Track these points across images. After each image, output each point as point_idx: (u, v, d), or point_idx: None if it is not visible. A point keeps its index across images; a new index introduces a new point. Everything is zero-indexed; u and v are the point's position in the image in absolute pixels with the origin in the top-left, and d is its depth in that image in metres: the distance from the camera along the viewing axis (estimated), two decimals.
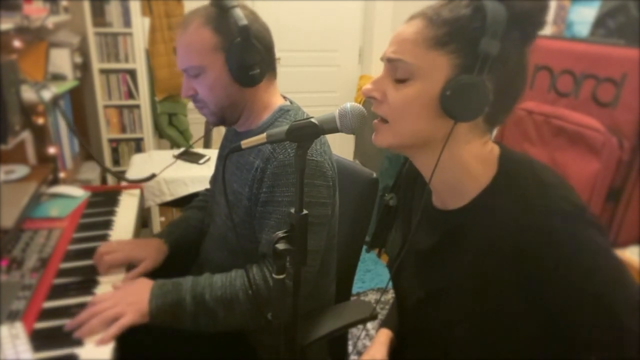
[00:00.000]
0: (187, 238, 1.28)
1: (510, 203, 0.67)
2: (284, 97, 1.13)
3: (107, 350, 0.83)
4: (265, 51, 1.01)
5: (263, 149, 0.98)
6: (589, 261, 0.62)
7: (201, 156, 2.08)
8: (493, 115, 0.69)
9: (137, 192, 1.56)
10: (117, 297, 0.93)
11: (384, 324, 0.99)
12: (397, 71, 0.69)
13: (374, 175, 1.18)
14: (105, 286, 1.01)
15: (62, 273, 1.05)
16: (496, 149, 0.73)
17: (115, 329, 0.87)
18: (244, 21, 0.96)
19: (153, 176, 1.76)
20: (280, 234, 0.69)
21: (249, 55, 0.97)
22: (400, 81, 0.69)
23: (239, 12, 0.97)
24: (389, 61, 0.70)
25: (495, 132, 0.76)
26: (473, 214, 0.72)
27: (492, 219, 0.69)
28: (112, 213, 1.38)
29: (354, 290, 2.39)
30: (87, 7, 2.28)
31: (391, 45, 0.71)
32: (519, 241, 0.65)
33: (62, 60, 2.06)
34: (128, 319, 0.89)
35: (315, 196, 0.96)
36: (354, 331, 2.06)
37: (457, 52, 0.65)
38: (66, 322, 0.88)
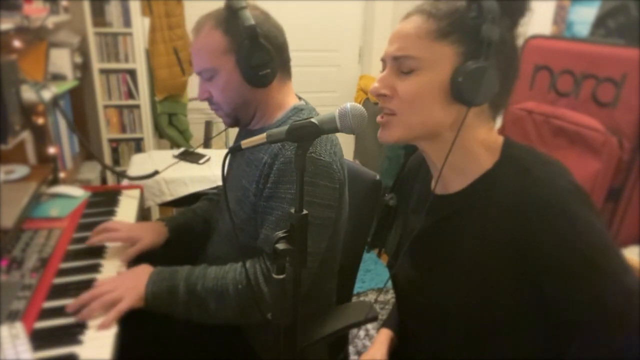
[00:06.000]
0: (190, 225, 1.29)
1: (512, 181, 0.69)
2: (299, 98, 1.13)
3: (107, 350, 0.83)
4: (276, 51, 1.01)
5: (273, 145, 0.98)
6: (578, 235, 0.63)
7: (201, 156, 2.08)
8: (496, 100, 0.72)
9: (137, 192, 1.56)
10: (117, 281, 0.97)
11: (384, 324, 0.99)
12: (403, 66, 0.70)
13: (377, 177, 1.18)
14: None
15: (62, 273, 1.05)
16: (500, 139, 0.76)
17: (114, 313, 0.90)
18: (250, 21, 0.96)
19: (156, 173, 1.75)
20: (280, 234, 0.68)
21: (257, 55, 0.98)
22: (407, 73, 0.70)
23: (246, 13, 0.97)
24: (395, 59, 0.71)
25: (494, 128, 0.78)
26: (473, 195, 0.74)
27: (492, 199, 0.70)
28: (112, 213, 1.38)
29: (354, 290, 2.39)
30: (87, 7, 2.28)
31: (392, 43, 0.72)
32: (516, 213, 0.67)
33: (62, 60, 2.06)
34: (126, 302, 0.92)
35: (319, 196, 0.95)
36: (354, 331, 2.05)
37: (460, 41, 0.68)
38: (66, 322, 0.88)
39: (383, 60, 0.75)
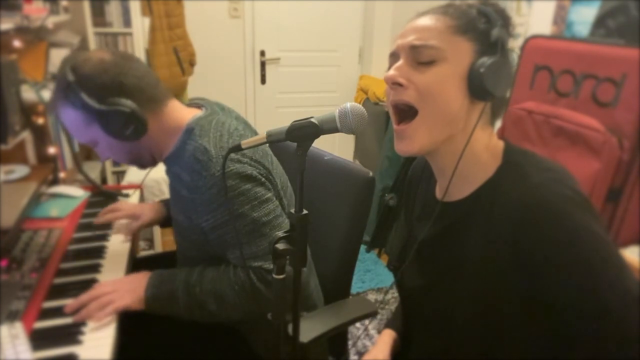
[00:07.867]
0: None
1: (513, 187, 0.69)
2: (198, 105, 1.09)
3: (107, 350, 0.83)
4: (132, 96, 0.95)
5: (183, 177, 0.96)
6: (577, 242, 0.63)
7: None
8: (496, 105, 0.75)
9: (136, 192, 1.56)
10: (117, 284, 0.97)
11: (387, 325, 0.99)
12: (422, 56, 0.70)
13: (370, 174, 1.18)
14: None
15: (62, 273, 1.05)
16: (501, 143, 0.76)
17: (110, 309, 0.91)
18: (84, 99, 0.92)
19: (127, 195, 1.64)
20: (280, 234, 0.69)
21: (113, 121, 0.94)
22: (425, 64, 0.70)
23: (77, 90, 0.92)
24: (413, 48, 0.71)
25: (494, 133, 0.78)
26: (477, 202, 0.74)
27: (495, 206, 0.70)
28: None
29: (354, 290, 2.39)
30: (87, 7, 2.28)
31: (407, 35, 0.72)
32: (517, 220, 0.67)
33: None
34: (124, 302, 0.93)
35: (255, 197, 0.95)
36: (353, 331, 2.06)
37: (475, 40, 0.70)
38: (66, 322, 0.89)
39: (394, 54, 0.74)
